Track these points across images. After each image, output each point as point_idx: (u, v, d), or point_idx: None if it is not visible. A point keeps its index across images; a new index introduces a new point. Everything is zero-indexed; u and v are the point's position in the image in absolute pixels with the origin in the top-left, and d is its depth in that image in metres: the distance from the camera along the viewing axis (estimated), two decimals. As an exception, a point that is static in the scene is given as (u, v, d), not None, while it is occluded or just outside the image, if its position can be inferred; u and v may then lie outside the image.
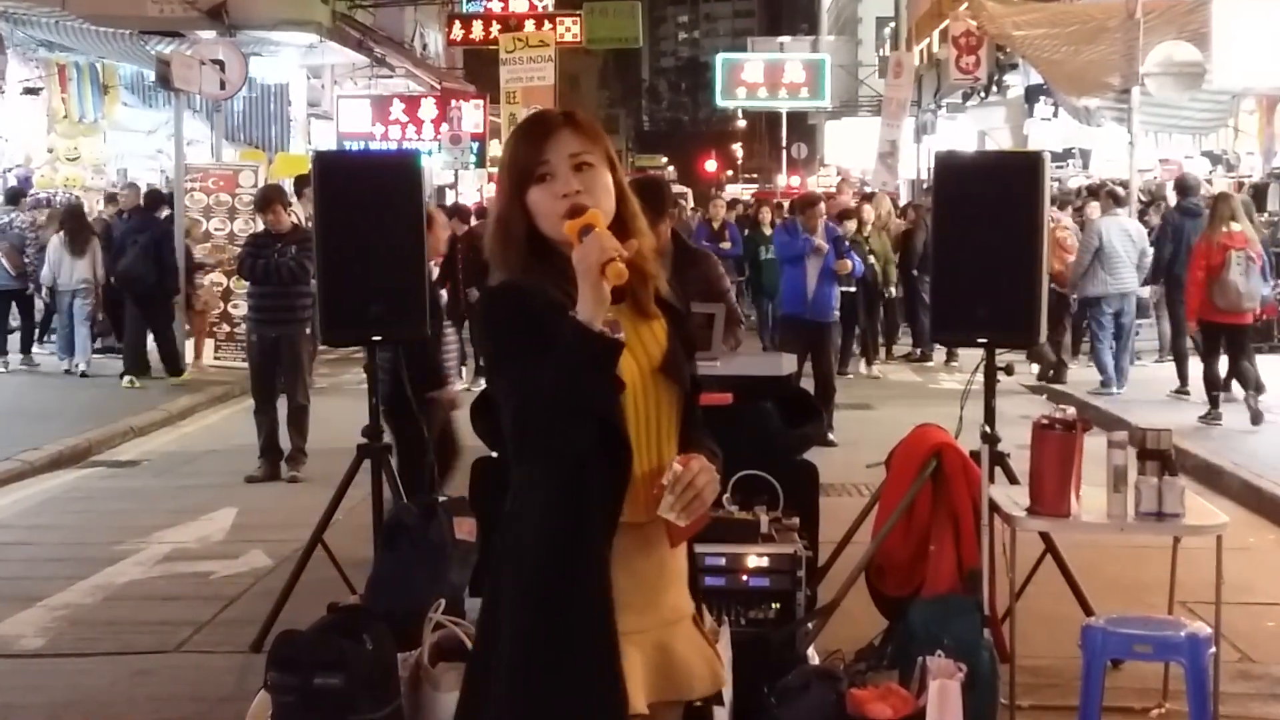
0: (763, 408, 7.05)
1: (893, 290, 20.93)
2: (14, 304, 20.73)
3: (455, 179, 40.92)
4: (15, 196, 21.84)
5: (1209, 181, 24.81)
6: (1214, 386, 14.94)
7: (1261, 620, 7.95)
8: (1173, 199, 20.24)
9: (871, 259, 19.64)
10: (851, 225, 19.73)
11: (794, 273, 14.21)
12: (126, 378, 18.42)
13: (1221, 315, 14.69)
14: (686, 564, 3.44)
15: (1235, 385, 15.06)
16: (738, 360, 7.30)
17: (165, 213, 19.97)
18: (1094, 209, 18.20)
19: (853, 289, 18.83)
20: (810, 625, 6.48)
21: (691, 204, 37.68)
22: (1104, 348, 17.47)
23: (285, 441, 12.96)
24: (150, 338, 19.08)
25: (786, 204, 26.71)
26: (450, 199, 32.69)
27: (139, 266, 17.93)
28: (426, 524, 7.10)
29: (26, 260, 20.29)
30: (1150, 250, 17.23)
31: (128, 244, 18.33)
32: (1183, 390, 16.83)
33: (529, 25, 46.83)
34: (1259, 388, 14.63)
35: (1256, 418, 14.30)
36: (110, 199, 22.66)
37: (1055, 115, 27.96)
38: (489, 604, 3.40)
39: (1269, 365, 16.66)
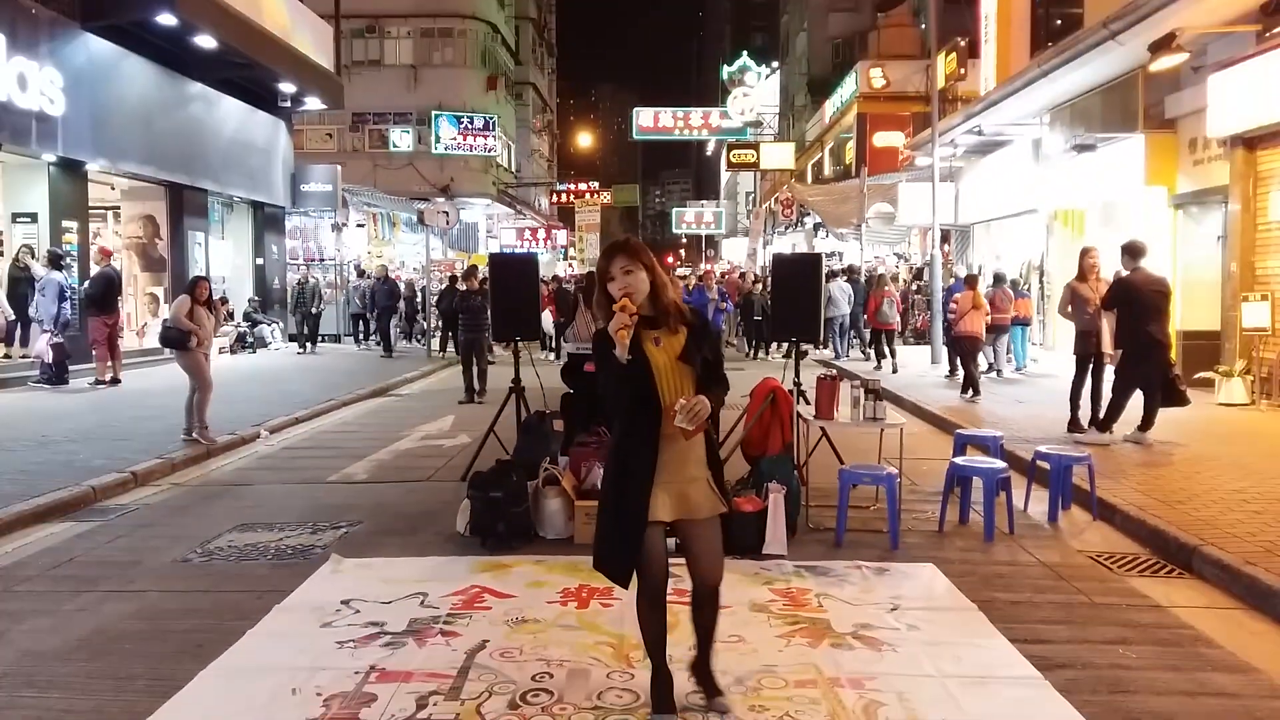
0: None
1: None
2: (360, 321, 22.00)
3: (555, 266, 41.20)
4: (360, 273, 22.60)
5: (898, 267, 24.82)
6: (880, 355, 16.07)
7: (920, 466, 7.96)
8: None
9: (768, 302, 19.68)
10: (759, 286, 20.08)
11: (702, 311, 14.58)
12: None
13: (880, 325, 16.08)
14: (704, 454, 3.43)
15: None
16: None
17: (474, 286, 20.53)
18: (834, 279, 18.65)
19: (759, 318, 19.51)
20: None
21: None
22: (836, 339, 18.18)
23: (476, 384, 12.92)
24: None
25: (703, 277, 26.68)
26: (549, 273, 32.67)
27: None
28: (541, 422, 7.14)
29: (363, 302, 21.27)
30: (853, 297, 18.02)
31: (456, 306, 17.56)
32: (867, 354, 17.62)
33: (587, 195, 46.74)
34: (893, 355, 15.87)
35: (894, 369, 15.31)
36: (452, 280, 19.80)
37: (827, 236, 27.88)
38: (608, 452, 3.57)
39: (916, 351, 16.77)
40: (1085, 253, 9.25)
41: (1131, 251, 8.47)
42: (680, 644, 4.11)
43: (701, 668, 3.59)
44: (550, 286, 19.18)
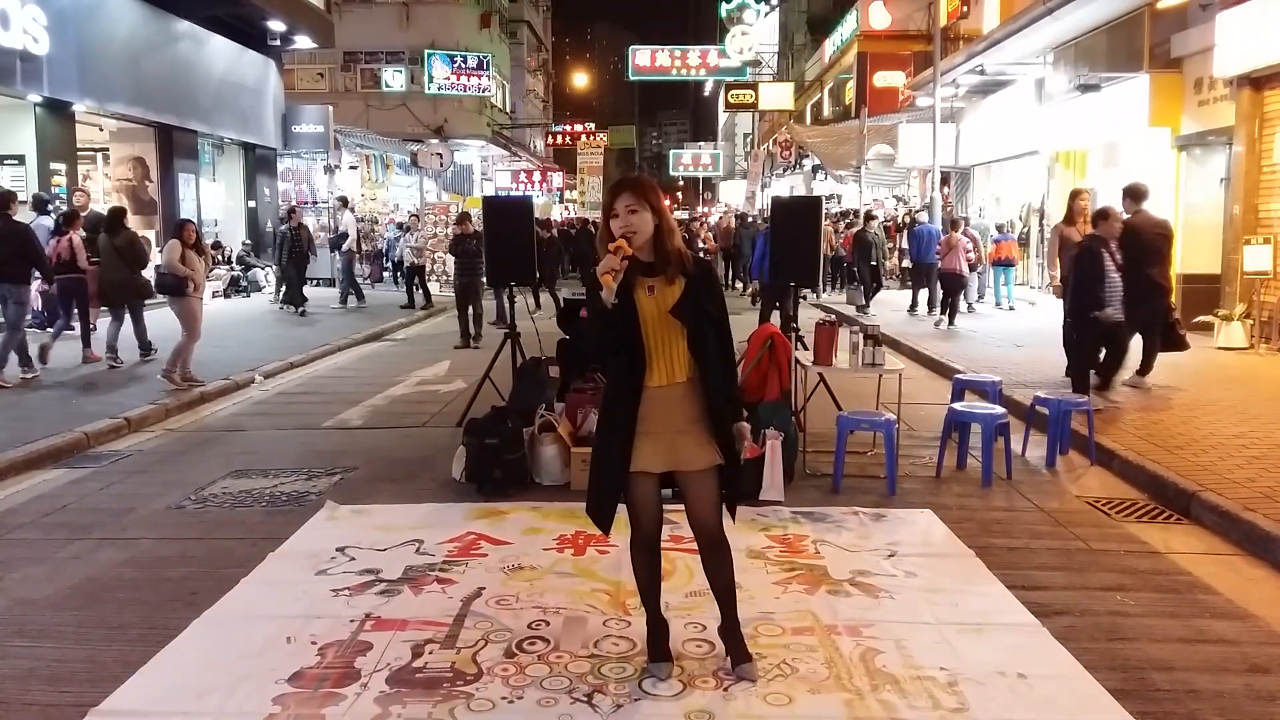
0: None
1: None
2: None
3: (550, 209, 40.79)
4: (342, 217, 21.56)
5: (896, 209, 24.58)
6: (869, 289, 16.21)
7: (918, 411, 7.94)
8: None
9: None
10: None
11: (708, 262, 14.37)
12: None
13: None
14: (700, 407, 3.24)
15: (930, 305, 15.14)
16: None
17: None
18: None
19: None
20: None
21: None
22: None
23: (472, 329, 12.81)
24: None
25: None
26: (542, 215, 32.40)
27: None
28: (536, 368, 7.06)
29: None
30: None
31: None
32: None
33: (585, 137, 46.30)
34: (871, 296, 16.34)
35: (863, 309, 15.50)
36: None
37: (826, 178, 27.54)
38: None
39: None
40: (1076, 195, 9.11)
41: (1133, 194, 8.33)
42: (676, 591, 4.09)
43: (725, 630, 3.46)
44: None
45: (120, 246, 10.16)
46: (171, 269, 8.73)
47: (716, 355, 3.28)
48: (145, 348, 10.51)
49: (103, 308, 10.64)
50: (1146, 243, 8.12)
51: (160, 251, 9.87)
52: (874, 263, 16.06)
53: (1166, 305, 8.41)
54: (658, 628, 3.48)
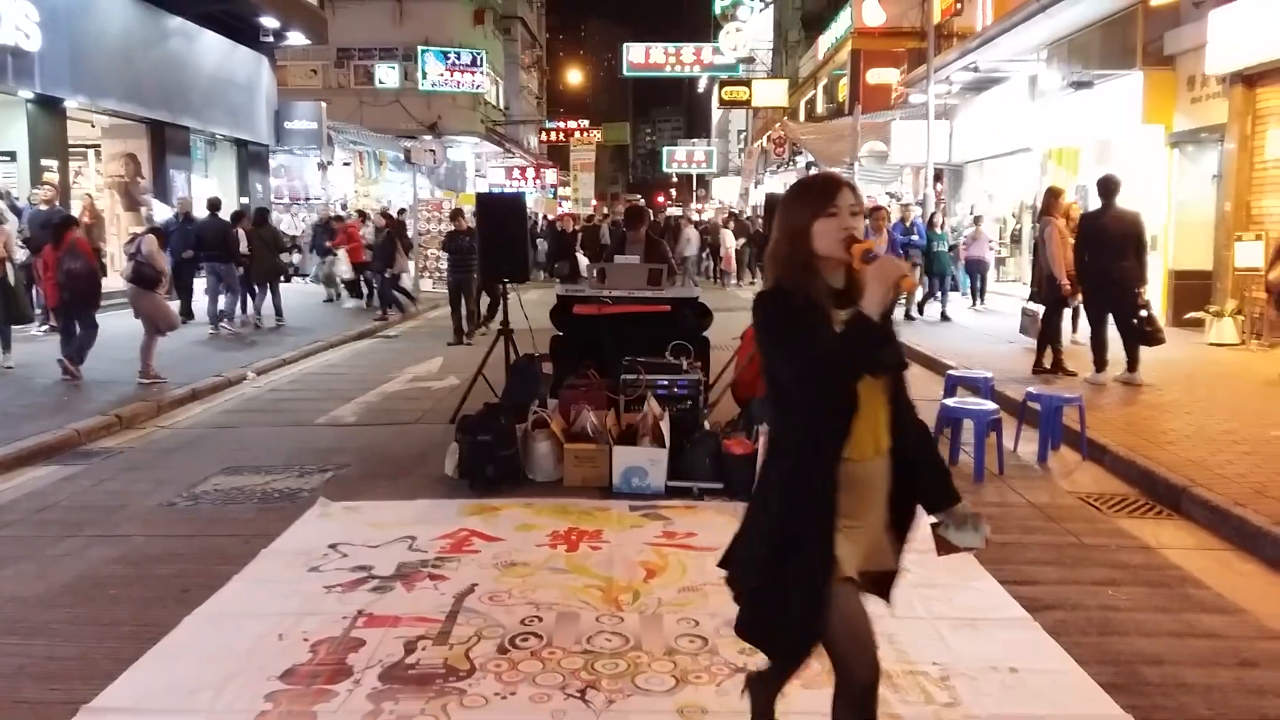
0: (684, 311, 6.99)
1: None
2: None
3: (542, 204, 40.68)
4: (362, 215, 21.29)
5: (892, 205, 24.63)
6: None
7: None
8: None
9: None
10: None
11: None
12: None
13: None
14: (888, 489, 2.35)
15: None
16: (672, 289, 7.18)
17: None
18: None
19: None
20: (705, 410, 6.45)
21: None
22: None
23: (465, 325, 12.80)
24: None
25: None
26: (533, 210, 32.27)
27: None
28: (529, 365, 7.06)
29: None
30: None
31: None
32: None
33: (578, 134, 46.27)
34: None
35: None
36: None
37: (820, 175, 27.50)
38: (761, 485, 2.39)
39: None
40: (1059, 193, 9.22)
41: (1102, 188, 8.36)
42: (669, 586, 4.09)
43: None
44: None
45: (266, 238, 13.58)
46: (152, 260, 8.78)
47: (915, 414, 2.44)
48: (279, 313, 13.55)
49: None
50: (1107, 238, 8.14)
51: (127, 245, 9.67)
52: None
53: (1133, 301, 8.15)
54: None
